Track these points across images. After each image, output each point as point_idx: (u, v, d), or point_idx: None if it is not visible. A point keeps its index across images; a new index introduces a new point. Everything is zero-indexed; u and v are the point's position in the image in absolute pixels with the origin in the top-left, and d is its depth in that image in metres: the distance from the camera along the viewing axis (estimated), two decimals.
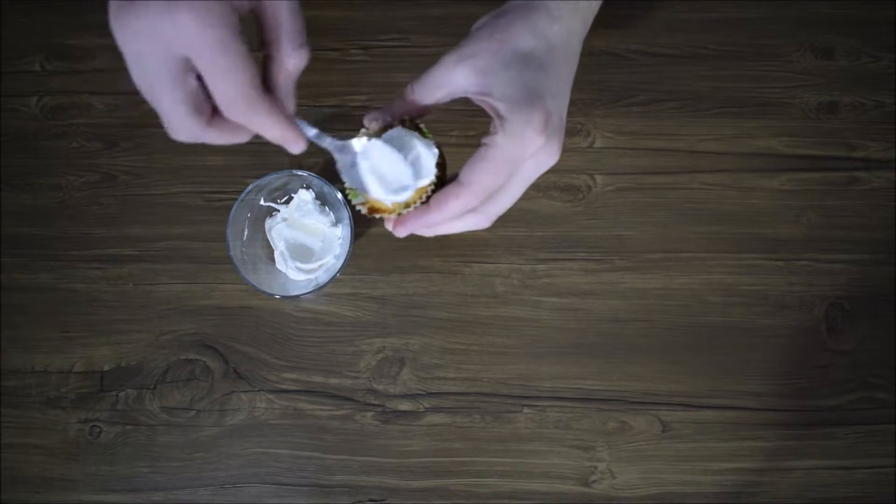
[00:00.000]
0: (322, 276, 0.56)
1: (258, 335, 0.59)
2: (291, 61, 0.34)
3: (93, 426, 0.58)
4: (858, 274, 0.59)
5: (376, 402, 0.58)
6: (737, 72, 0.61)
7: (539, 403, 0.58)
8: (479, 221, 0.43)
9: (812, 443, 0.57)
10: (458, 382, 0.58)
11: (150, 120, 0.61)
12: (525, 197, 0.60)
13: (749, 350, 0.58)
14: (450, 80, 0.40)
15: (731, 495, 0.57)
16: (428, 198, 0.42)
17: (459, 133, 0.61)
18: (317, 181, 0.54)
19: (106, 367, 0.58)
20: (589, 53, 0.62)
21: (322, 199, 0.57)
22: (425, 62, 0.62)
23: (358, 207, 0.44)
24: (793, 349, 0.58)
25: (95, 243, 0.60)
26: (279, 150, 0.60)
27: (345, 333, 0.59)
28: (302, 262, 0.57)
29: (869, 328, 0.58)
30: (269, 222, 0.58)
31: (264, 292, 0.52)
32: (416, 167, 0.41)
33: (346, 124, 0.61)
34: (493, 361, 0.58)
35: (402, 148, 0.41)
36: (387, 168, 0.41)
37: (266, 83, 0.35)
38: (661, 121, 0.61)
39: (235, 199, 0.53)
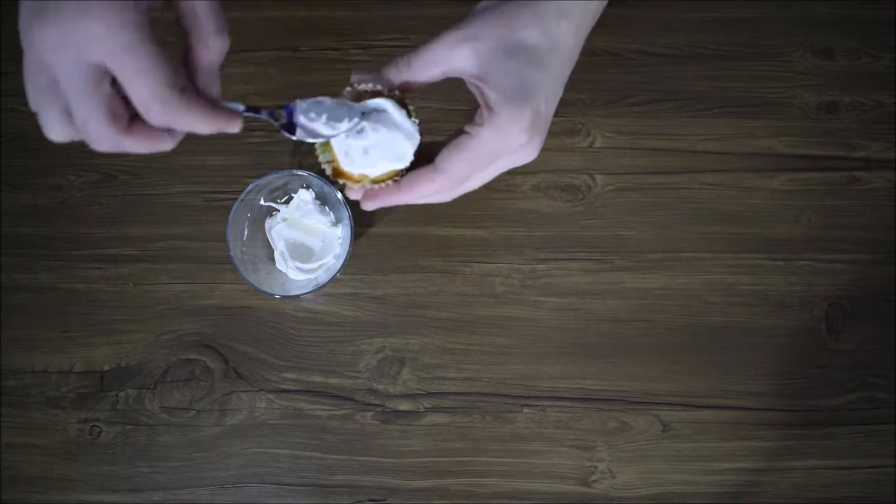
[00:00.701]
0: (322, 276, 0.56)
1: (258, 335, 0.59)
2: (208, 48, 0.34)
3: (93, 426, 0.58)
4: (858, 274, 0.59)
5: (376, 402, 0.58)
6: (737, 72, 0.61)
7: (539, 403, 0.58)
8: (442, 197, 0.42)
9: (812, 443, 0.57)
10: (458, 382, 0.58)
11: None
12: (525, 197, 0.60)
13: (749, 350, 0.58)
14: (448, 59, 0.38)
15: (731, 495, 0.57)
16: (398, 178, 0.41)
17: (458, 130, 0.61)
18: (317, 181, 0.54)
19: (106, 367, 0.58)
20: (589, 53, 0.62)
21: (322, 199, 0.57)
22: None
23: (323, 165, 0.41)
24: (793, 349, 0.58)
25: (95, 243, 0.60)
26: (279, 150, 0.61)
27: (345, 333, 0.59)
28: (302, 262, 0.57)
29: (869, 328, 0.58)
30: (269, 222, 0.58)
31: (264, 292, 0.52)
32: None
33: None
34: (493, 361, 0.58)
35: (384, 123, 0.39)
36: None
37: (189, 74, 0.35)
38: (661, 121, 0.61)
39: (235, 199, 0.53)
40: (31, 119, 0.61)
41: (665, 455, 0.57)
